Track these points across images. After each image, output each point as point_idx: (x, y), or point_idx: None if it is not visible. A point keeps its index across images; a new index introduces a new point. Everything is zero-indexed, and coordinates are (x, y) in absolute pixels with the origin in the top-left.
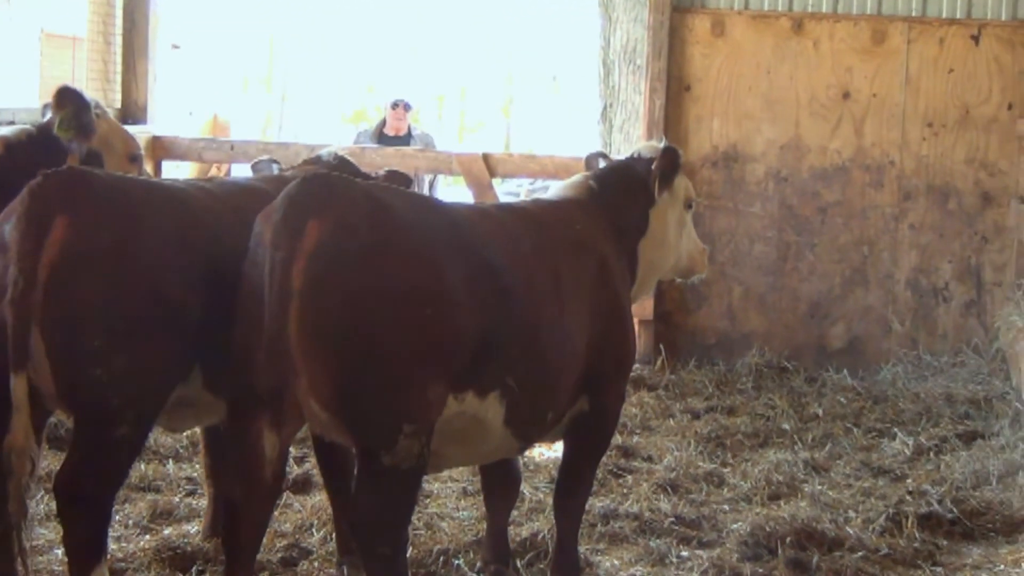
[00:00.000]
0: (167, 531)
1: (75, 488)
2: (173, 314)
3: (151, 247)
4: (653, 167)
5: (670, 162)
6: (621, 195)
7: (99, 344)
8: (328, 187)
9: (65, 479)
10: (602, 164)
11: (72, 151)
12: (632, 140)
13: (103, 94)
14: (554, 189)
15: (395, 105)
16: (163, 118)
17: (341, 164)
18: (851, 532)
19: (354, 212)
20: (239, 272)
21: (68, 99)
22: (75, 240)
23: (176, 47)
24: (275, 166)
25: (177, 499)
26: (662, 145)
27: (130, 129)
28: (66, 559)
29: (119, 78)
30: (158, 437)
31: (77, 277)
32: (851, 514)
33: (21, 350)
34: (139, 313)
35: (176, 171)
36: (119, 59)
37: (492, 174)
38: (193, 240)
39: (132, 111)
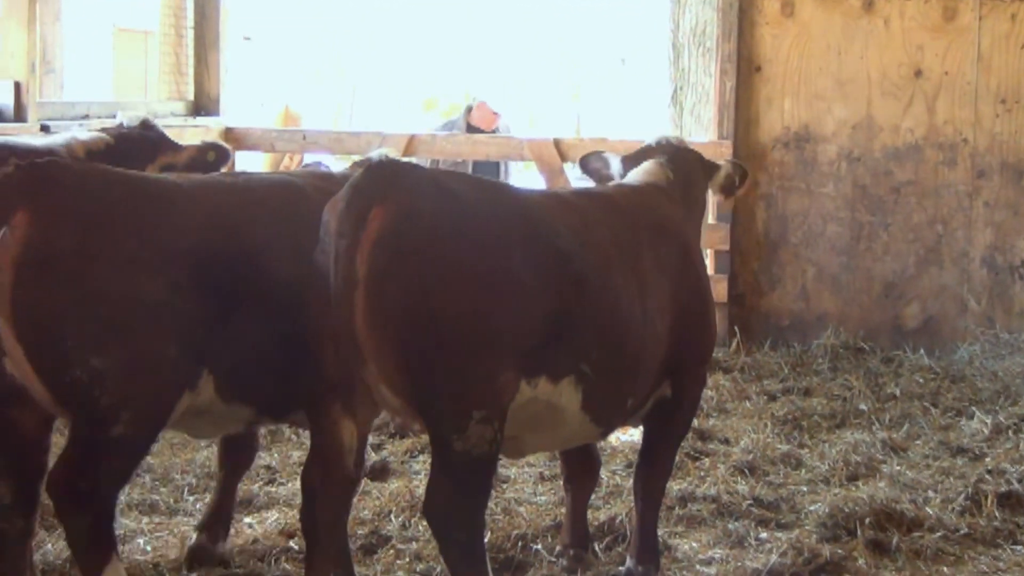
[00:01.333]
0: (247, 519)
1: (69, 486)
2: (155, 314)
3: (119, 243)
4: (730, 170)
5: (743, 177)
6: (691, 179)
7: (72, 345)
8: (392, 173)
9: (57, 477)
10: (614, 164)
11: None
12: (703, 122)
13: (175, 87)
14: (633, 173)
15: (482, 103)
16: (235, 110)
17: None
18: (930, 512)
19: (419, 198)
20: (241, 271)
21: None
22: (36, 237)
23: (247, 39)
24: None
25: (256, 488)
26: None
27: (202, 121)
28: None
29: (191, 71)
30: None
31: (41, 276)
32: (930, 494)
33: None
34: (111, 312)
35: (249, 162)
36: (191, 52)
37: (564, 159)
38: (177, 238)
39: (204, 103)
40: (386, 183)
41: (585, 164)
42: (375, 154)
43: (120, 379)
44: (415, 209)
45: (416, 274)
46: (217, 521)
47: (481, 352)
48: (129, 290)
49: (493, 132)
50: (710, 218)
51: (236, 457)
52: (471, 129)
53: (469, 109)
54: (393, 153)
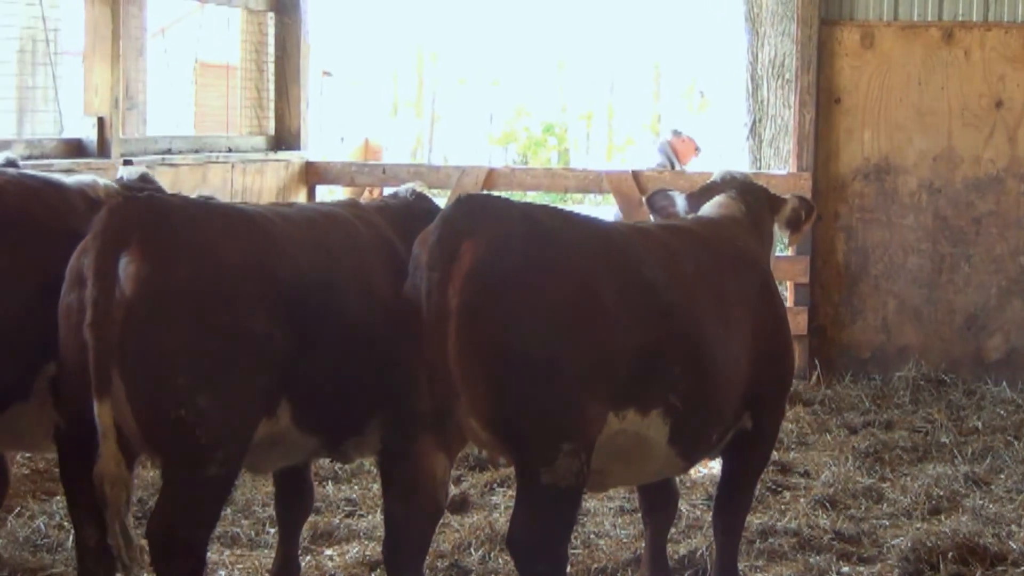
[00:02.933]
0: (327, 551)
1: (169, 534)
2: (257, 348)
3: (231, 279)
4: (796, 204)
5: (810, 211)
6: (761, 213)
7: (181, 384)
8: (483, 207)
9: (158, 525)
10: (679, 202)
11: None
12: (782, 154)
13: (256, 121)
14: (710, 206)
15: (689, 138)
16: (315, 144)
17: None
18: (1014, 547)
19: (509, 231)
20: (324, 302)
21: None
22: (151, 274)
23: (327, 74)
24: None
25: (337, 520)
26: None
27: (283, 155)
28: None
29: (272, 105)
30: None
31: (154, 314)
32: (1013, 528)
33: (103, 375)
34: (219, 349)
35: (329, 195)
36: (272, 86)
37: (642, 192)
38: (275, 270)
39: (285, 137)
40: (477, 216)
41: (651, 202)
42: (403, 189)
43: (220, 417)
44: (506, 242)
45: (507, 306)
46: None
47: (571, 384)
48: (236, 325)
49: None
50: (787, 251)
51: (294, 510)
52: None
53: (677, 133)
54: (422, 187)
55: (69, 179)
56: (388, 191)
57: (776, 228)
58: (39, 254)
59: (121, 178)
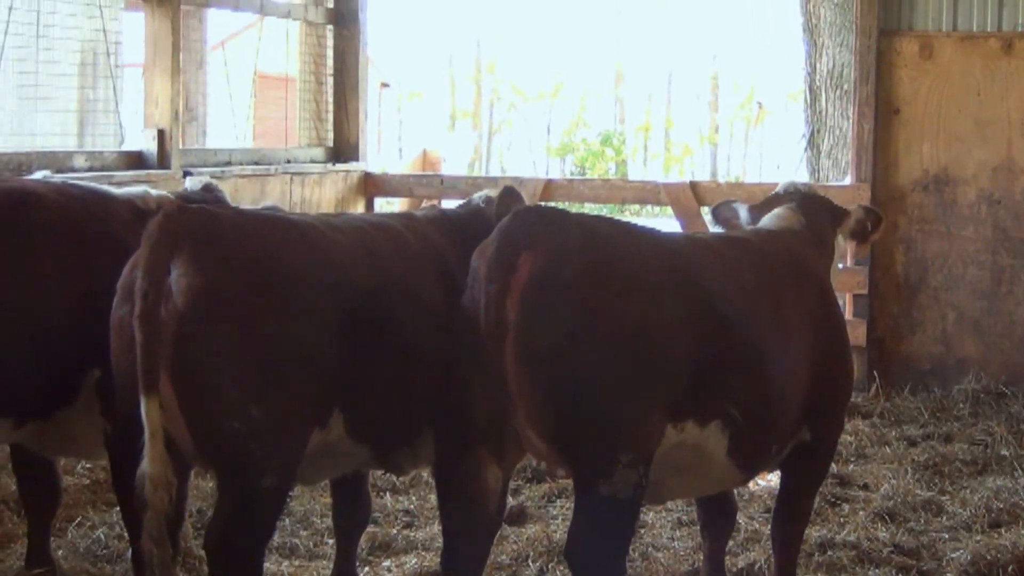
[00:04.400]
0: (385, 563)
1: (226, 545)
2: (309, 359)
3: (283, 290)
4: (861, 215)
5: (876, 222)
6: (821, 224)
7: (233, 396)
8: (541, 218)
9: (215, 536)
10: (742, 213)
11: None
12: (841, 165)
13: (315, 133)
14: (769, 218)
15: None
16: (374, 155)
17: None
18: None
19: (568, 243)
20: (375, 311)
21: None
22: (202, 286)
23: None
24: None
25: (394, 532)
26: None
27: (342, 167)
28: None
29: (331, 117)
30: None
31: (207, 326)
32: None
33: (151, 373)
34: (272, 360)
35: (387, 207)
36: (331, 98)
37: (700, 203)
38: (326, 280)
39: (344, 149)
40: (535, 228)
41: (716, 214)
42: (478, 196)
43: (274, 428)
44: (564, 253)
45: (567, 318)
46: None
47: (630, 396)
48: (289, 336)
49: None
50: (848, 261)
51: (352, 521)
52: None
53: None
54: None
55: (118, 190)
56: (446, 203)
57: (840, 240)
58: (81, 261)
59: (185, 189)
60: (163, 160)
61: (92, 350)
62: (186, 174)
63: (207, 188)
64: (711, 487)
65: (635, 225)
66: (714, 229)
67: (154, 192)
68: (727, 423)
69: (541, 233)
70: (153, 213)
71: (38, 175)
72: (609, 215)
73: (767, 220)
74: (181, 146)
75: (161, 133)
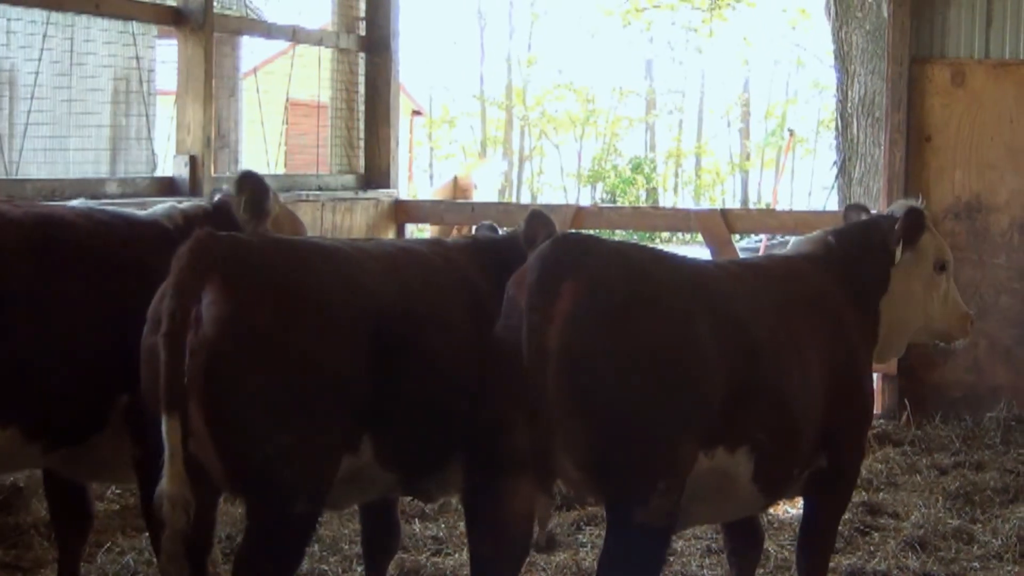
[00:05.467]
0: None
1: (255, 572)
2: (340, 384)
3: (312, 316)
4: (896, 226)
5: (913, 222)
6: (859, 252)
7: (265, 424)
8: (581, 246)
9: (243, 563)
10: (862, 216)
11: (243, 231)
12: (872, 193)
13: (347, 160)
14: (793, 245)
15: None
16: (405, 182)
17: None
18: None
19: (608, 271)
20: (404, 336)
21: (249, 183)
22: (232, 315)
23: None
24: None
25: (423, 558)
26: (911, 204)
27: (373, 194)
28: None
29: (362, 144)
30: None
31: (237, 355)
32: None
33: (175, 388)
34: (303, 387)
35: (418, 234)
36: (362, 126)
37: (731, 230)
38: (355, 305)
39: (375, 176)
40: (575, 256)
41: (847, 216)
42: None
43: (304, 455)
44: (606, 282)
45: (609, 346)
46: None
47: (668, 423)
48: (319, 362)
49: None
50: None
51: (381, 547)
52: None
53: None
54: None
55: (143, 211)
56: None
57: (899, 255)
58: (108, 286)
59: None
60: (195, 187)
61: (121, 375)
62: None
63: (220, 206)
64: (734, 513)
65: (666, 252)
66: (748, 251)
67: (180, 206)
68: (754, 448)
69: (581, 261)
70: (181, 229)
71: (75, 202)
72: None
73: (793, 244)
74: (213, 173)
75: (193, 160)
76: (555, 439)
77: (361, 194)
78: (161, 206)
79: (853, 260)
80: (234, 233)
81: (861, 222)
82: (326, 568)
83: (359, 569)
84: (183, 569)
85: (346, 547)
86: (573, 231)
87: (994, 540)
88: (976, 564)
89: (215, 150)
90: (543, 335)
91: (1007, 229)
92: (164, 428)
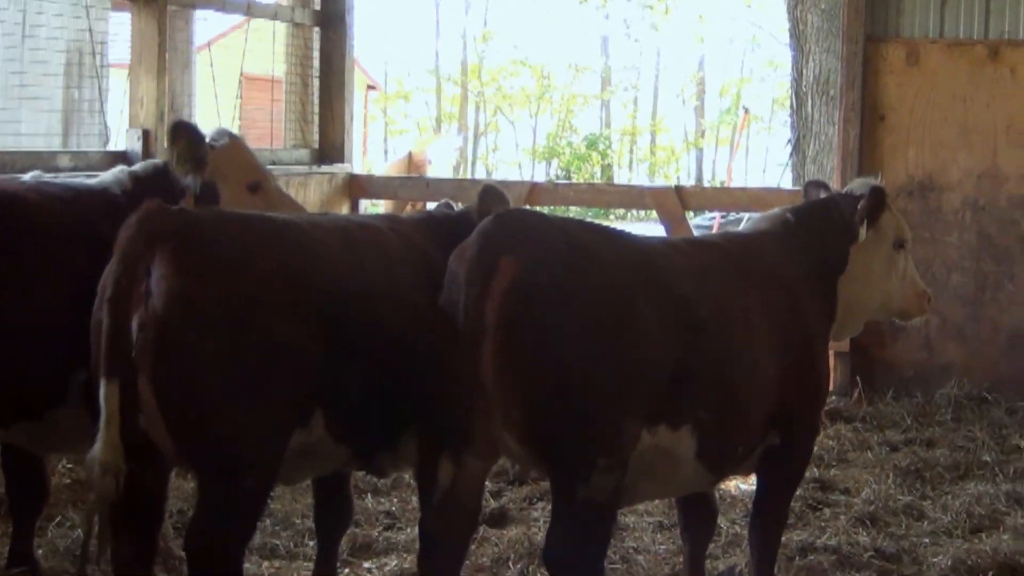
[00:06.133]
0: (366, 564)
1: (206, 545)
2: (291, 359)
3: (264, 290)
4: (859, 205)
5: (874, 201)
6: (818, 230)
7: (216, 399)
8: (521, 222)
9: (195, 537)
10: (821, 194)
11: (187, 185)
12: (826, 171)
13: (301, 134)
14: (750, 222)
15: None
16: (359, 157)
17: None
18: None
19: (548, 248)
20: (357, 311)
21: (181, 134)
22: (183, 290)
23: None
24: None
25: (376, 533)
26: (873, 183)
27: (327, 169)
28: None
29: (317, 119)
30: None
31: (188, 330)
32: None
33: (115, 354)
34: (255, 362)
35: (372, 209)
36: (317, 100)
37: (685, 207)
38: (307, 279)
39: (329, 151)
40: (515, 232)
41: (807, 193)
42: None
43: (255, 430)
44: (545, 258)
45: (547, 323)
46: None
47: (608, 400)
48: (271, 335)
49: None
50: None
51: (333, 522)
52: None
53: None
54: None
55: (93, 180)
56: (431, 205)
57: (862, 235)
58: (59, 259)
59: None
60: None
61: (78, 350)
62: None
63: (159, 170)
64: (680, 489)
65: (613, 229)
66: (701, 229)
67: (128, 169)
68: (697, 426)
69: (521, 237)
70: (131, 194)
71: (29, 175)
72: (594, 219)
73: (751, 222)
74: (166, 146)
75: (146, 133)
76: (495, 415)
77: (315, 169)
78: (110, 172)
79: (812, 238)
80: (184, 207)
81: (820, 200)
82: (278, 542)
83: (311, 543)
84: (106, 534)
85: (298, 521)
86: (521, 207)
87: (944, 516)
88: (926, 540)
89: (168, 124)
90: (481, 310)
91: (959, 208)
92: (102, 393)
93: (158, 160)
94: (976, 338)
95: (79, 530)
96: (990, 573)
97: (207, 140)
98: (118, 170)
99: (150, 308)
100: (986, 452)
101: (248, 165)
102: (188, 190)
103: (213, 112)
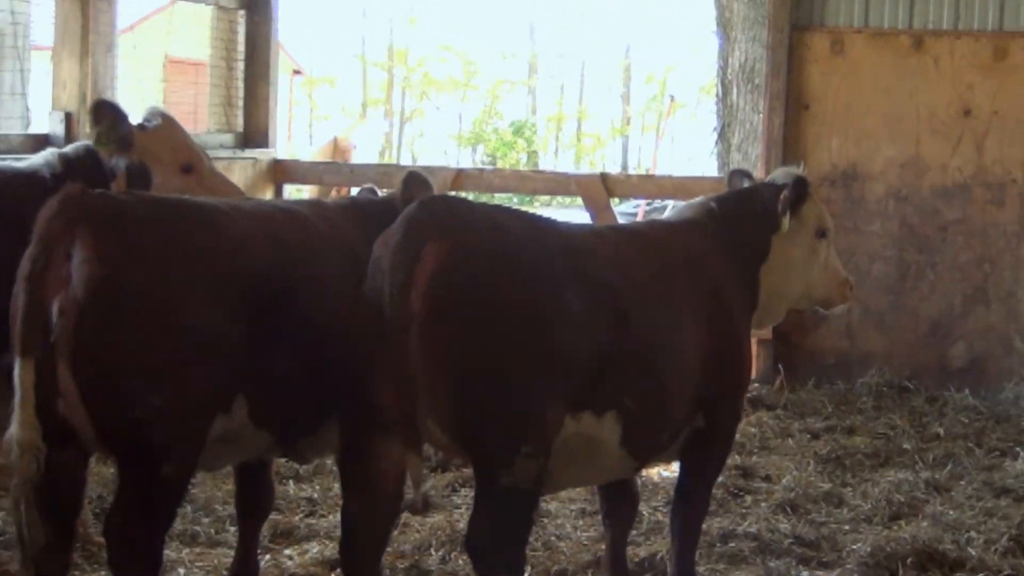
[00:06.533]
0: (287, 551)
1: (125, 532)
2: (213, 345)
3: (185, 276)
4: (782, 194)
5: (797, 191)
6: (741, 219)
7: (136, 385)
8: (446, 209)
9: (114, 523)
10: (745, 183)
11: (114, 166)
12: (751, 159)
13: (225, 119)
14: (674, 210)
15: None
16: (284, 142)
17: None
18: (973, 553)
19: (472, 234)
20: (280, 297)
21: (104, 112)
22: (104, 274)
23: (297, 72)
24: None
25: (297, 519)
26: (796, 172)
27: (251, 153)
28: None
29: (241, 103)
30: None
31: (108, 317)
32: (973, 535)
33: (30, 332)
34: (176, 347)
35: (296, 194)
36: (241, 84)
37: (610, 194)
38: (230, 265)
39: (253, 136)
40: (440, 219)
41: (731, 182)
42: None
43: (176, 416)
44: (470, 245)
45: (470, 310)
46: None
47: (531, 387)
48: (192, 321)
49: None
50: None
51: (254, 508)
52: None
53: None
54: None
55: (23, 163)
56: (355, 191)
57: (786, 225)
58: None
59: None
60: (70, 143)
61: (3, 335)
62: None
63: (90, 152)
64: (604, 476)
65: (537, 216)
66: (627, 216)
67: (64, 148)
68: (621, 413)
69: (446, 224)
70: (60, 176)
71: None
72: (519, 206)
73: (675, 210)
74: (88, 130)
75: (69, 116)
76: (420, 401)
77: (239, 153)
78: (40, 155)
79: (735, 227)
80: (106, 191)
81: (744, 189)
82: (199, 529)
83: (232, 530)
84: (33, 518)
85: (219, 508)
86: (446, 193)
87: (864, 503)
88: (846, 527)
89: (90, 104)
90: (405, 297)
91: (882, 197)
92: (17, 372)
93: (89, 142)
94: (897, 327)
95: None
96: (908, 560)
97: (140, 121)
98: (48, 152)
99: (70, 293)
100: (906, 440)
101: (181, 146)
102: (119, 172)
103: (136, 95)
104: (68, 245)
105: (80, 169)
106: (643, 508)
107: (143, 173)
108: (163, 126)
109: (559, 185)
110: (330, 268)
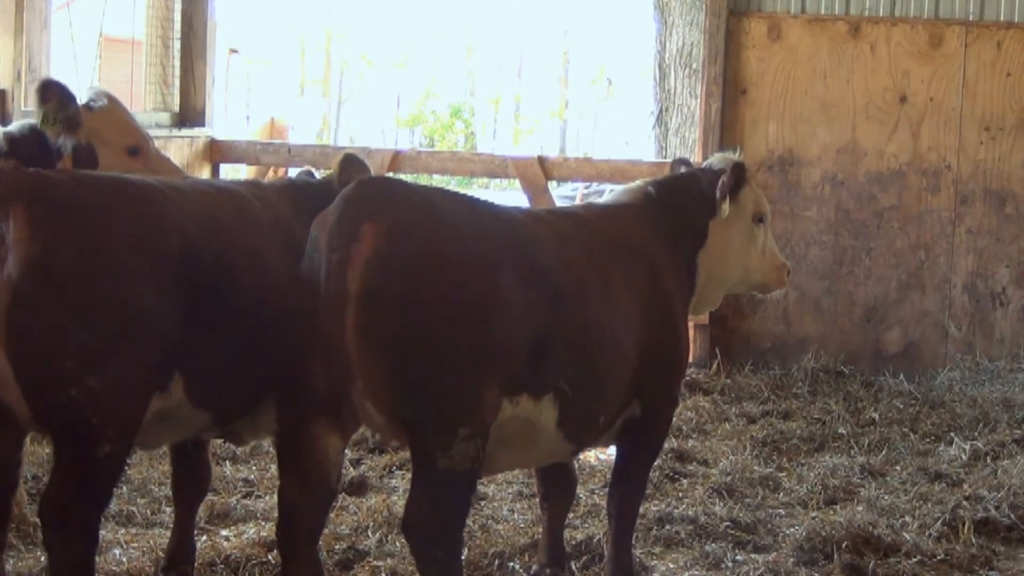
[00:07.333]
0: (223, 532)
1: (61, 512)
2: (148, 324)
3: (119, 255)
4: (720, 180)
5: (735, 176)
6: (678, 204)
7: (71, 364)
8: (384, 190)
9: (50, 503)
10: (683, 170)
11: (60, 146)
12: (688, 144)
13: (161, 98)
14: (612, 194)
15: None
16: (221, 122)
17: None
18: (907, 537)
19: (410, 216)
20: (216, 276)
21: (51, 92)
22: (36, 253)
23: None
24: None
25: (234, 501)
26: (733, 158)
27: (187, 132)
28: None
29: (177, 82)
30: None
31: (41, 296)
32: (907, 519)
33: None
34: (111, 326)
35: (233, 174)
36: (177, 63)
37: (548, 177)
38: (165, 243)
39: (190, 115)
40: (378, 199)
41: (673, 169)
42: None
43: (112, 395)
44: (407, 226)
45: (408, 291)
46: (181, 557)
47: (469, 370)
48: (127, 301)
49: None
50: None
51: (190, 489)
52: None
53: None
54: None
55: None
56: (293, 171)
57: (725, 210)
58: None
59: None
60: (4, 121)
61: None
62: None
63: (35, 131)
64: (541, 459)
65: (476, 199)
66: (565, 199)
67: (9, 127)
68: (558, 396)
69: (384, 205)
70: (6, 155)
71: None
72: (457, 188)
73: (612, 194)
74: (24, 107)
75: (3, 93)
76: (355, 383)
77: (175, 132)
78: None
79: (672, 212)
80: (40, 169)
81: (682, 174)
82: (134, 509)
83: (168, 511)
84: None
85: (155, 488)
86: (384, 175)
87: (799, 487)
88: (781, 511)
89: (25, 84)
90: (341, 277)
91: (818, 182)
92: None
93: (34, 122)
94: (833, 312)
95: None
96: (844, 544)
97: (85, 101)
98: None
99: (3, 273)
100: (841, 425)
101: (127, 127)
102: (65, 152)
103: (72, 73)
104: (0, 224)
105: (25, 149)
106: (580, 491)
107: (89, 154)
108: (109, 107)
109: (497, 167)
110: (267, 248)
